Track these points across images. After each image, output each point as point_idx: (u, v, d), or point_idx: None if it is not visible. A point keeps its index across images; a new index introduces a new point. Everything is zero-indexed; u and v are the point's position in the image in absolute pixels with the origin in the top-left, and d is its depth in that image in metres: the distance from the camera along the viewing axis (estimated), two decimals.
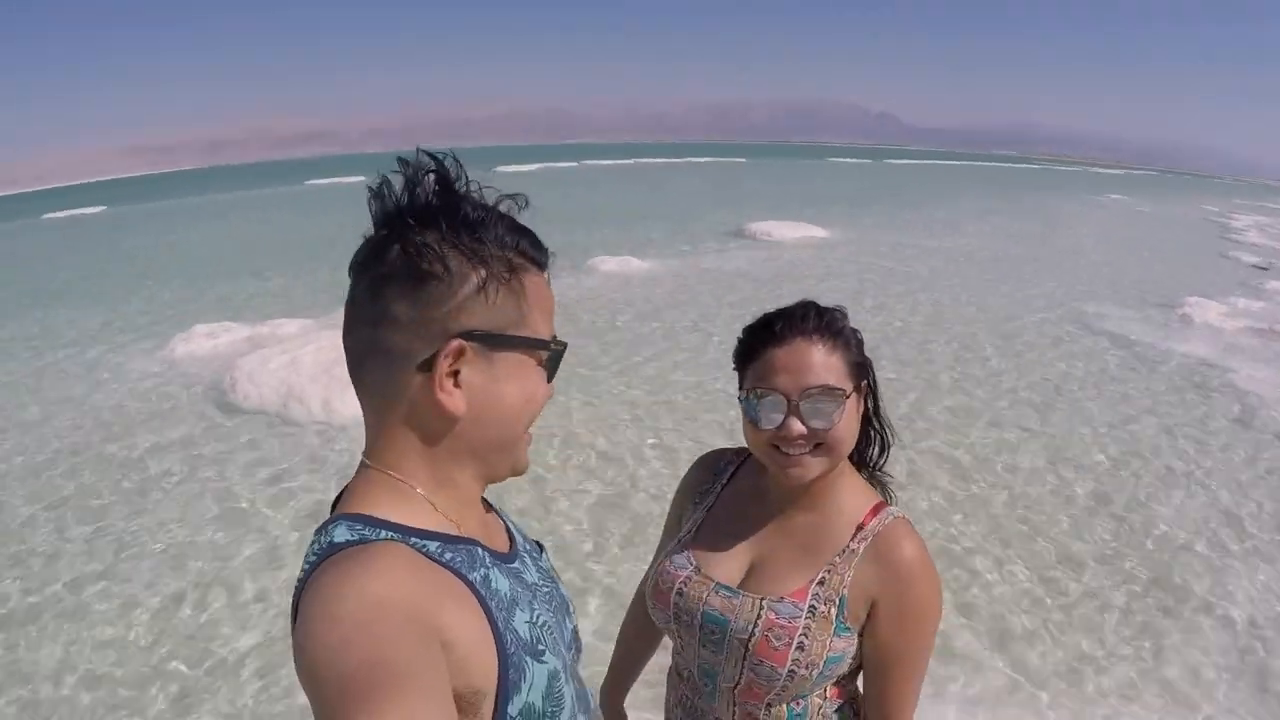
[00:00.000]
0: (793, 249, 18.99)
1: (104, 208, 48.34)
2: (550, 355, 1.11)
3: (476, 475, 1.12)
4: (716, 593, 1.59)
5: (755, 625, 1.52)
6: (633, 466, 6.88)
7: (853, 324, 1.59)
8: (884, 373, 8.81)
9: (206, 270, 18.31)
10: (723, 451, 1.84)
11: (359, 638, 0.84)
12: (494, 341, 1.04)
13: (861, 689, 1.62)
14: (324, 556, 0.97)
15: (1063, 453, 7.08)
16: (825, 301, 1.59)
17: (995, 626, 4.67)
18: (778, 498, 1.64)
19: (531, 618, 1.09)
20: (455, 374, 1.02)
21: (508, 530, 1.27)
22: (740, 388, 1.59)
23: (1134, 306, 12.97)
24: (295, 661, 0.87)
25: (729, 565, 1.63)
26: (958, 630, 4.62)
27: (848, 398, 1.50)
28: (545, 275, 1.13)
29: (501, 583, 1.08)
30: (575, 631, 1.29)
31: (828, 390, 1.47)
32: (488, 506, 1.26)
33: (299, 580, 0.98)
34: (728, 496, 1.75)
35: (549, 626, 1.13)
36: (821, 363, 1.49)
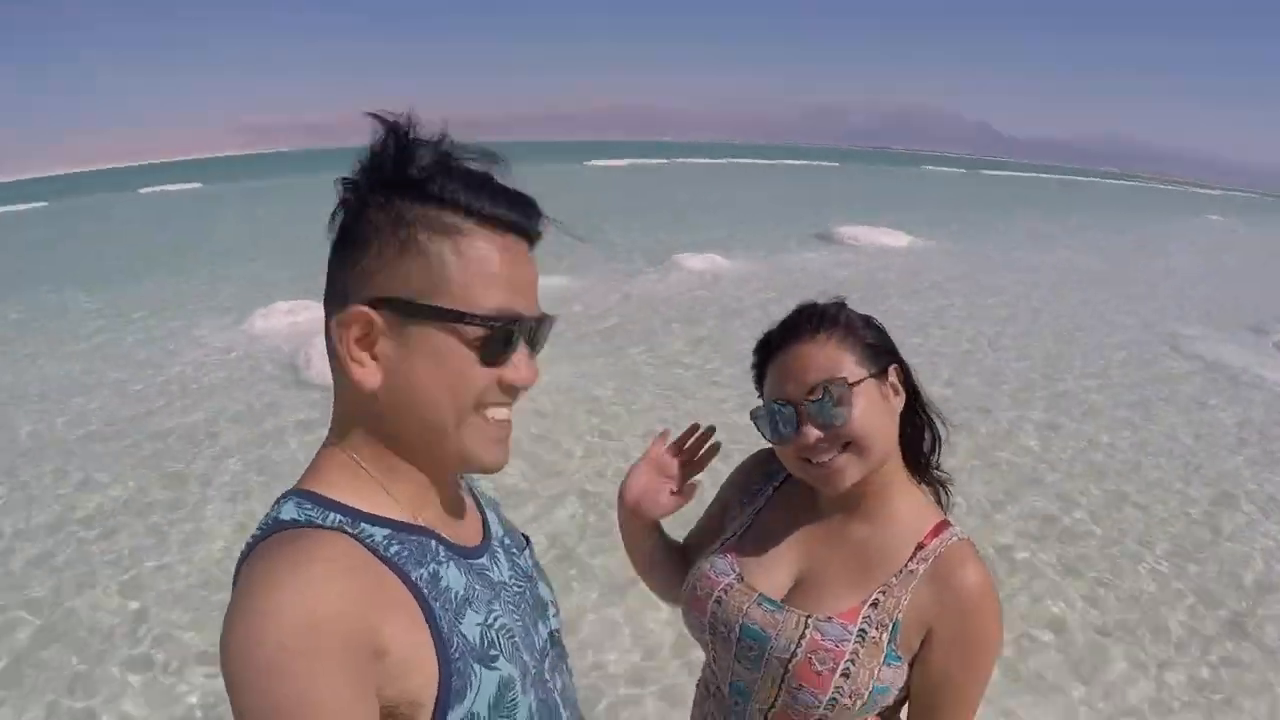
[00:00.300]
0: (882, 255, 18.70)
1: (199, 185, 49.78)
2: (485, 333, 0.95)
3: (422, 461, 1.01)
4: (759, 605, 1.47)
5: (798, 645, 1.39)
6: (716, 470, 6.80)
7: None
8: (969, 389, 8.84)
9: (292, 250, 18.69)
10: None
11: (289, 667, 0.78)
12: (406, 310, 0.92)
13: None
14: (268, 533, 0.91)
15: (1152, 482, 6.88)
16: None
17: (1070, 656, 4.57)
18: (830, 508, 1.52)
19: (486, 619, 1.00)
20: (373, 344, 0.93)
21: (484, 522, 1.17)
22: None
23: (1228, 331, 12.55)
24: (221, 652, 0.82)
25: (775, 576, 1.51)
26: (1029, 653, 4.55)
27: (857, 384, 1.39)
28: (508, 238, 0.97)
29: (455, 580, 0.99)
30: (553, 635, 1.20)
31: (831, 383, 1.38)
32: (468, 494, 1.19)
33: (242, 553, 0.92)
34: (779, 501, 1.63)
35: (508, 630, 1.03)
36: (823, 358, 1.41)
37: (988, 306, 13.42)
